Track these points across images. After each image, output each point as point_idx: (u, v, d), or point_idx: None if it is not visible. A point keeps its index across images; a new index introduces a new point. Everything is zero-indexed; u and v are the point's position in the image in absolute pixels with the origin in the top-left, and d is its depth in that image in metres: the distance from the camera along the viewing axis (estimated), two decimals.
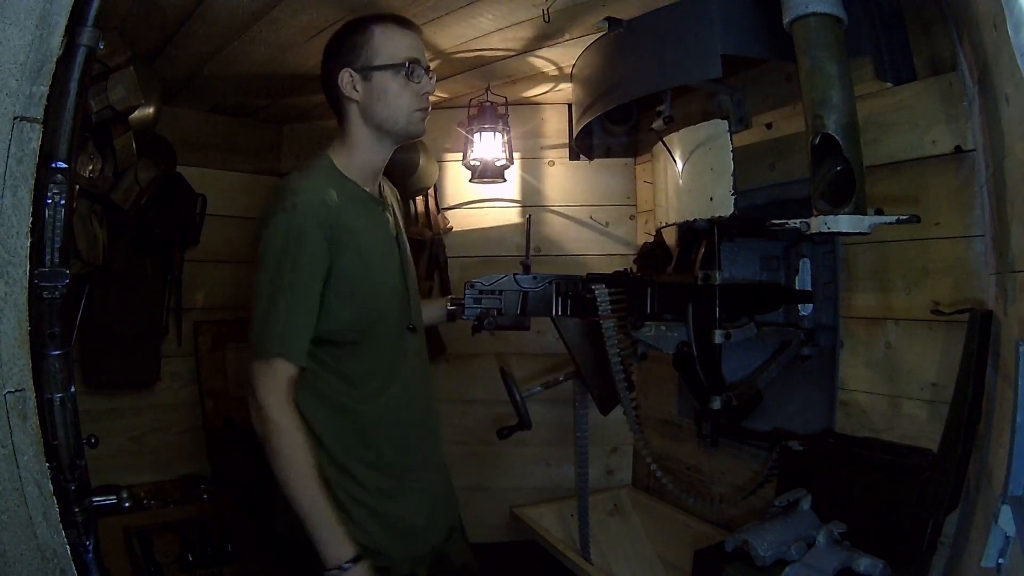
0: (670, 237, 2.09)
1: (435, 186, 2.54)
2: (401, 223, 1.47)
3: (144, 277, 2.30)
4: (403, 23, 1.34)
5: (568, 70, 2.12)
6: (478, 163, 2.34)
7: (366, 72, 1.29)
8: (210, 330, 2.47)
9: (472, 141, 2.31)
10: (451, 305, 1.63)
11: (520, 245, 2.46)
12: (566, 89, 2.32)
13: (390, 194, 1.48)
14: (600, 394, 1.78)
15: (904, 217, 1.24)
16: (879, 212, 1.23)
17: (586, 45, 1.88)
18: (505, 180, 2.41)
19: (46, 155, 0.84)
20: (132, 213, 2.01)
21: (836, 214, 1.22)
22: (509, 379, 1.71)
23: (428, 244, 2.50)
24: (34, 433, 0.84)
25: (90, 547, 0.93)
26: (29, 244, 0.83)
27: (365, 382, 1.29)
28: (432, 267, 2.52)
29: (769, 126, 1.83)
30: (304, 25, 1.73)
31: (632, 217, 2.53)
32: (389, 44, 1.30)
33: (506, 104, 2.33)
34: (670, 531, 2.14)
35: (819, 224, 1.24)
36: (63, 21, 0.83)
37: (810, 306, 1.71)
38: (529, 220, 1.70)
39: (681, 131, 1.74)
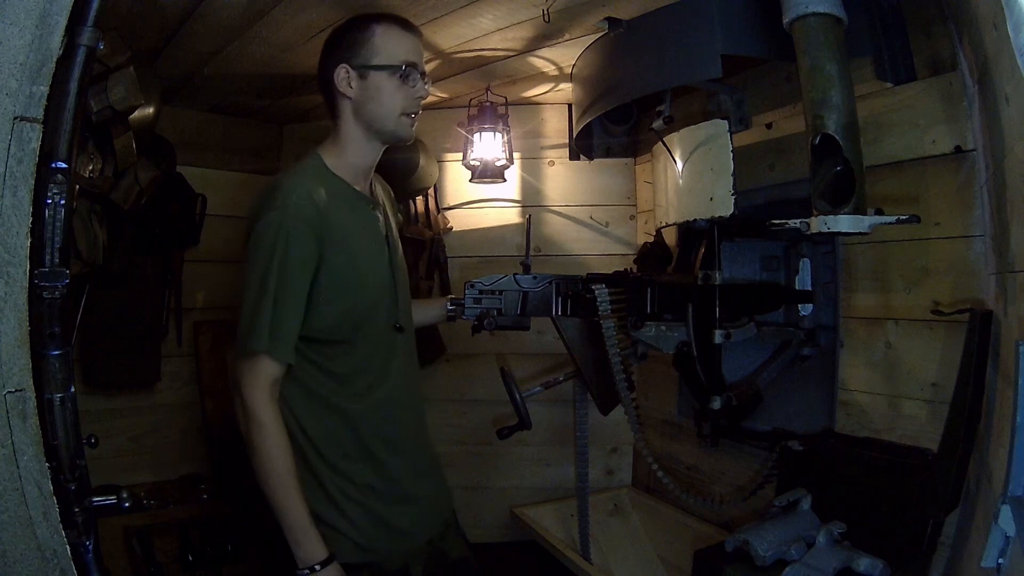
0: (670, 237, 2.09)
1: (435, 186, 2.54)
2: (393, 222, 1.48)
3: (144, 277, 2.30)
4: (405, 25, 1.34)
5: (568, 70, 2.12)
6: (478, 163, 2.34)
7: (363, 70, 1.30)
8: (210, 330, 2.47)
9: (472, 141, 2.31)
10: (451, 305, 1.63)
11: (520, 245, 2.46)
12: (566, 89, 2.32)
13: (381, 193, 1.48)
14: (600, 394, 1.78)
15: (904, 217, 1.24)
16: (879, 212, 1.23)
17: (586, 45, 1.88)
18: (505, 180, 2.41)
19: (46, 155, 0.84)
20: (132, 213, 2.01)
21: (836, 214, 1.22)
22: (509, 379, 1.71)
23: (428, 244, 2.50)
24: (34, 433, 0.84)
25: (90, 547, 0.93)
26: (29, 244, 0.83)
27: (355, 381, 1.30)
28: (432, 267, 2.52)
29: (769, 126, 1.83)
30: (304, 25, 1.73)
31: (632, 217, 2.53)
32: (389, 45, 1.31)
33: (506, 104, 2.33)
34: (670, 531, 2.14)
35: (819, 224, 1.24)
36: (63, 21, 0.83)
37: (810, 306, 1.71)
38: (529, 220, 1.70)
39: (681, 131, 1.74)
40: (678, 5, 1.54)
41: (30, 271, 0.83)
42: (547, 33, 1.82)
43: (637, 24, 1.62)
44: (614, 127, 2.39)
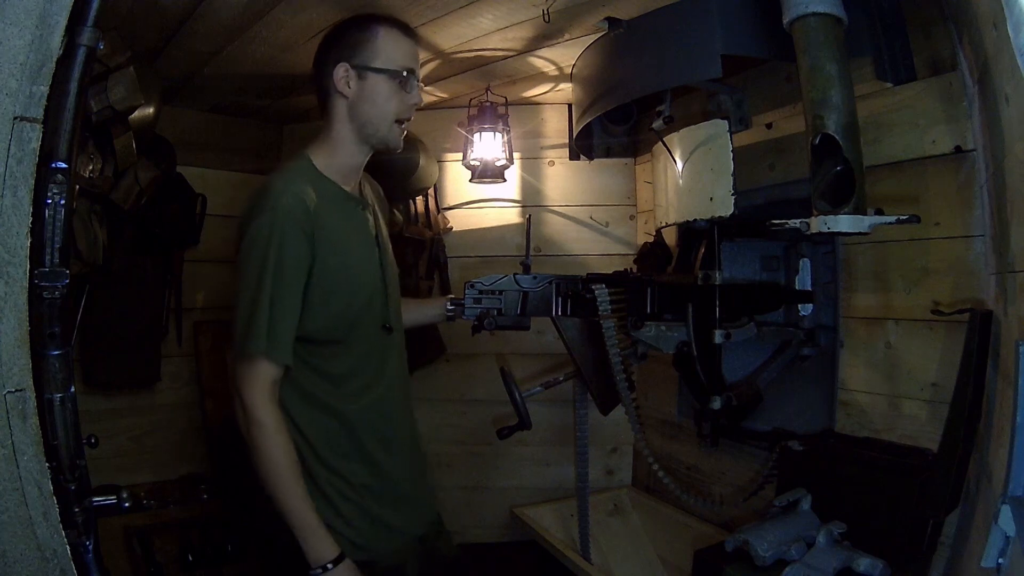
0: (670, 237, 2.09)
1: (435, 186, 2.54)
2: (382, 222, 1.48)
3: (144, 277, 2.30)
4: (406, 30, 1.35)
5: (568, 70, 2.12)
6: (478, 163, 2.34)
7: (362, 71, 1.30)
8: (210, 330, 2.47)
9: (472, 141, 2.31)
10: (451, 305, 1.63)
11: (520, 245, 2.46)
12: (566, 89, 2.32)
13: (371, 193, 1.48)
14: (600, 394, 1.77)
15: (904, 217, 1.24)
16: (879, 212, 1.23)
17: (586, 45, 1.88)
18: (505, 180, 2.41)
19: (46, 155, 0.84)
20: (132, 213, 2.01)
21: (836, 214, 1.22)
22: (509, 379, 1.71)
23: (428, 244, 2.50)
24: (34, 433, 0.84)
25: (90, 547, 0.93)
26: (29, 244, 0.83)
27: (349, 382, 1.31)
28: (432, 267, 2.52)
29: (769, 126, 1.83)
30: (304, 25, 1.73)
31: (632, 217, 2.53)
32: (390, 48, 1.31)
33: (506, 104, 2.33)
34: (670, 531, 2.14)
35: (819, 224, 1.24)
36: (63, 21, 0.83)
37: (810, 306, 1.71)
38: (529, 220, 1.70)
39: (681, 131, 1.74)
40: (678, 5, 1.54)
41: (30, 271, 0.83)
42: (547, 33, 1.82)
43: (637, 24, 1.62)
44: (614, 127, 2.39)
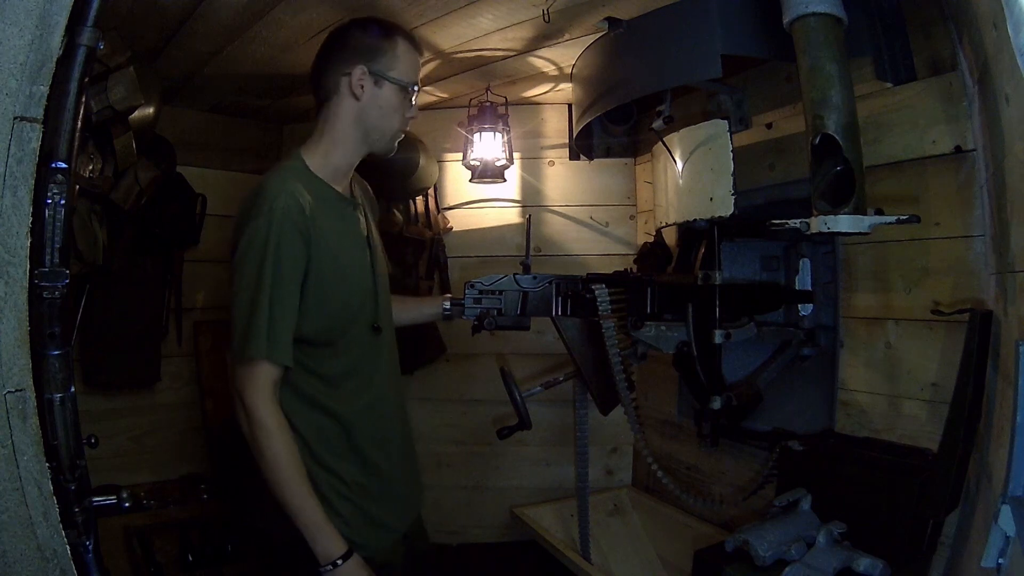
0: (670, 237, 2.09)
1: (435, 186, 2.54)
2: (373, 223, 1.49)
3: (144, 277, 2.30)
4: (418, 46, 1.38)
5: (568, 70, 2.12)
6: (478, 163, 2.34)
7: (379, 78, 1.31)
8: (210, 330, 2.47)
9: (472, 141, 2.31)
10: (449, 304, 1.63)
11: (520, 245, 2.46)
12: (566, 89, 2.32)
13: (361, 193, 1.49)
14: (600, 394, 1.77)
15: (904, 217, 1.24)
16: (879, 212, 1.23)
17: (586, 45, 1.88)
18: (505, 180, 2.41)
19: (46, 155, 0.84)
20: (132, 213, 2.01)
21: (836, 214, 1.22)
22: (509, 379, 1.71)
23: (428, 244, 2.50)
24: (34, 433, 0.84)
25: (90, 547, 0.93)
26: (29, 244, 0.83)
27: (343, 383, 1.32)
28: (432, 267, 2.52)
29: (769, 126, 1.83)
30: (304, 25, 1.74)
31: (632, 217, 2.53)
32: (407, 62, 1.34)
33: (506, 104, 2.33)
34: (670, 531, 2.14)
35: (819, 224, 1.24)
36: (63, 21, 0.83)
37: (810, 306, 1.71)
38: (529, 220, 1.70)
39: (681, 131, 1.74)
40: (678, 5, 1.54)
41: (30, 271, 0.83)
42: (547, 33, 1.82)
43: (637, 24, 1.62)
44: (614, 127, 2.39)
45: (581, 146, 2.42)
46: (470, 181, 2.42)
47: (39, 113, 0.82)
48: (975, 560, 0.97)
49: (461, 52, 1.96)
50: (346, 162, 1.37)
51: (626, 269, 1.96)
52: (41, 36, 0.81)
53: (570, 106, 2.50)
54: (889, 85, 1.47)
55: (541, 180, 2.56)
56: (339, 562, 1.18)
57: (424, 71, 2.10)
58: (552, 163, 2.55)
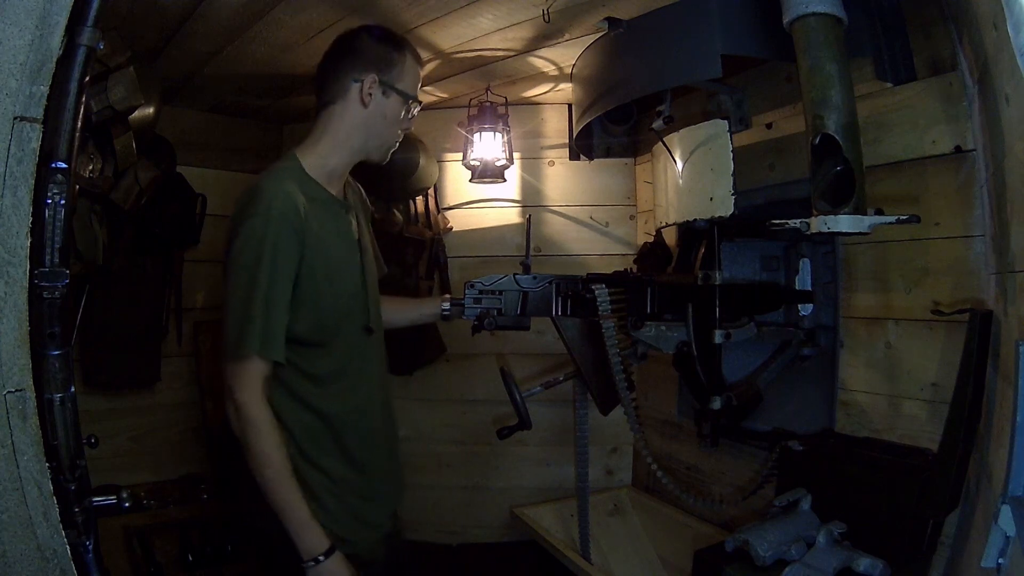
0: (670, 237, 2.09)
1: (435, 186, 2.54)
2: (365, 225, 1.51)
3: (144, 277, 2.30)
4: (421, 60, 1.43)
5: (568, 70, 2.12)
6: (478, 163, 2.34)
7: (388, 88, 1.34)
8: (210, 330, 2.47)
9: (472, 141, 2.31)
10: (452, 304, 1.64)
11: (520, 245, 2.46)
12: (566, 89, 2.32)
13: (353, 196, 1.51)
14: (600, 394, 1.77)
15: (904, 217, 1.24)
16: (879, 212, 1.23)
17: (586, 45, 1.88)
18: (505, 180, 2.41)
19: (46, 155, 0.84)
20: (132, 213, 2.01)
21: (836, 214, 1.22)
22: (509, 379, 1.71)
23: (428, 244, 2.50)
24: (34, 433, 0.84)
25: (90, 547, 0.93)
26: (29, 244, 0.82)
27: (332, 383, 1.34)
28: (432, 267, 2.52)
29: (769, 126, 1.83)
30: (304, 25, 1.74)
31: (632, 217, 2.53)
32: (411, 75, 1.38)
33: (506, 104, 2.33)
34: (670, 531, 2.14)
35: (819, 224, 1.24)
36: (63, 21, 0.83)
37: (810, 306, 1.71)
38: (529, 220, 1.70)
39: (681, 131, 1.74)
40: (678, 5, 1.54)
41: (30, 271, 0.83)
42: (547, 33, 1.82)
43: (637, 24, 1.62)
44: (614, 127, 2.39)
45: (581, 146, 2.42)
46: (470, 181, 2.42)
47: (39, 113, 0.82)
48: (975, 560, 0.97)
49: (461, 52, 1.97)
50: (342, 166, 1.40)
51: (626, 269, 1.96)
52: (41, 36, 0.81)
53: (570, 106, 2.50)
54: (889, 85, 1.47)
55: (541, 180, 2.56)
56: (321, 558, 1.19)
57: (424, 71, 2.10)
58: (552, 163, 2.55)
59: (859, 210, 1.22)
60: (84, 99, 0.90)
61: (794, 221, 1.30)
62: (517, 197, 2.56)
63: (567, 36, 1.84)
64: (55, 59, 0.83)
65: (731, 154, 1.56)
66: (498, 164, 2.33)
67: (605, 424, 2.23)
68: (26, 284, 0.83)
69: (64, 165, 0.86)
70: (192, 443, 2.42)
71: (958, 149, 1.36)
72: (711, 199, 1.60)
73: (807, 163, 1.29)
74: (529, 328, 1.62)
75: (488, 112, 2.27)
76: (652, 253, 2.13)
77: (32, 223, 0.83)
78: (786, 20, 1.28)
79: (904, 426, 1.47)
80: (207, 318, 2.48)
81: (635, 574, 2.15)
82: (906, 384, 1.47)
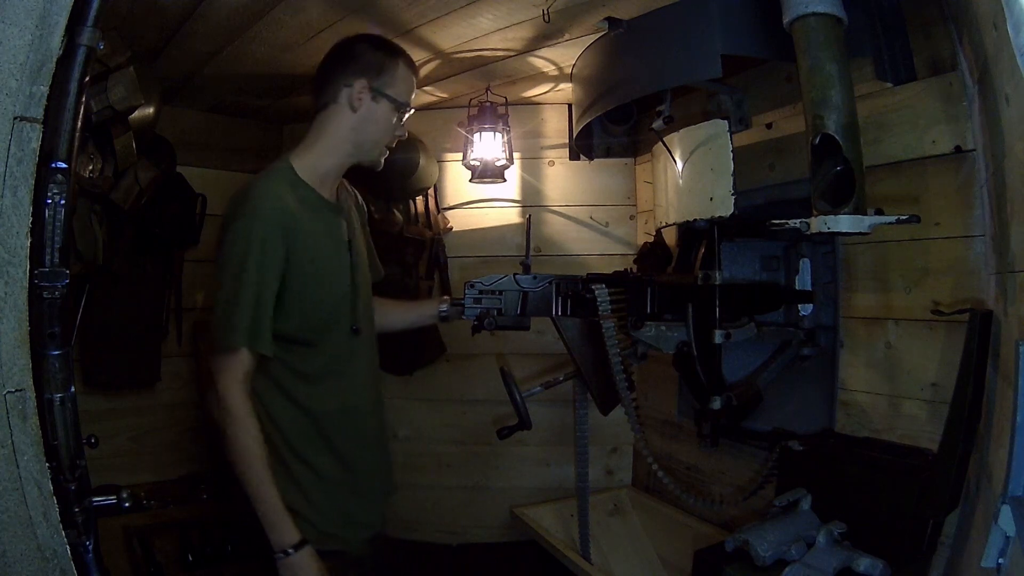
0: (670, 237, 2.09)
1: (435, 186, 2.54)
2: (358, 228, 1.54)
3: (144, 277, 2.30)
4: (415, 69, 1.45)
5: (568, 70, 2.12)
6: (478, 163, 2.34)
7: (378, 94, 1.37)
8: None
9: (472, 141, 2.31)
10: (451, 305, 1.64)
11: (520, 245, 2.46)
12: (566, 89, 2.32)
13: (348, 199, 1.54)
14: (600, 394, 1.77)
15: (904, 217, 1.24)
16: (879, 212, 1.23)
17: (586, 45, 1.88)
18: (505, 180, 2.41)
19: (46, 155, 0.84)
20: (132, 213, 2.01)
21: (836, 214, 1.22)
22: (509, 379, 1.71)
23: (428, 244, 2.50)
24: (34, 433, 0.84)
25: (90, 547, 0.93)
26: (29, 244, 0.83)
27: (320, 382, 1.37)
28: (432, 267, 2.52)
29: (769, 126, 1.83)
30: (304, 25, 1.74)
31: (632, 217, 2.53)
32: (403, 82, 1.40)
33: (506, 104, 2.33)
34: (670, 531, 2.14)
35: (819, 224, 1.24)
36: (63, 21, 0.83)
37: (810, 306, 1.71)
38: (529, 220, 1.70)
39: (681, 131, 1.74)
40: (678, 5, 1.54)
41: (30, 271, 0.83)
42: (547, 33, 1.82)
43: (637, 24, 1.62)
44: (614, 127, 2.39)
45: (581, 146, 2.42)
46: (470, 181, 2.42)
47: (39, 113, 0.82)
48: (975, 560, 0.97)
49: (461, 52, 1.96)
50: (334, 169, 1.43)
51: (626, 269, 1.96)
52: (41, 36, 0.81)
53: (570, 106, 2.50)
54: (889, 85, 1.47)
55: (541, 180, 2.56)
56: (291, 551, 1.22)
57: (424, 71, 2.10)
58: (552, 163, 2.55)
59: (859, 210, 1.22)
60: (84, 99, 0.90)
61: (794, 221, 1.30)
62: (517, 197, 2.56)
63: (567, 36, 1.84)
64: (55, 59, 0.83)
65: (731, 154, 1.56)
66: (498, 164, 2.33)
67: (605, 424, 2.22)
68: (26, 284, 0.83)
69: (64, 165, 0.86)
70: (192, 443, 2.42)
71: (958, 149, 1.36)
72: (711, 199, 1.60)
73: (807, 163, 1.29)
74: (529, 328, 1.62)
75: (488, 112, 2.27)
76: (652, 253, 2.13)
77: (32, 223, 0.83)
78: (786, 20, 1.28)
79: (904, 426, 1.47)
80: (207, 318, 2.48)
81: (635, 574, 2.15)
82: (906, 384, 1.47)
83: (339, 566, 1.34)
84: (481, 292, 1.58)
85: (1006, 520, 0.87)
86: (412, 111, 1.45)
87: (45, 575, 0.85)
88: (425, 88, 2.29)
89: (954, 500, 1.23)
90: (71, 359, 0.92)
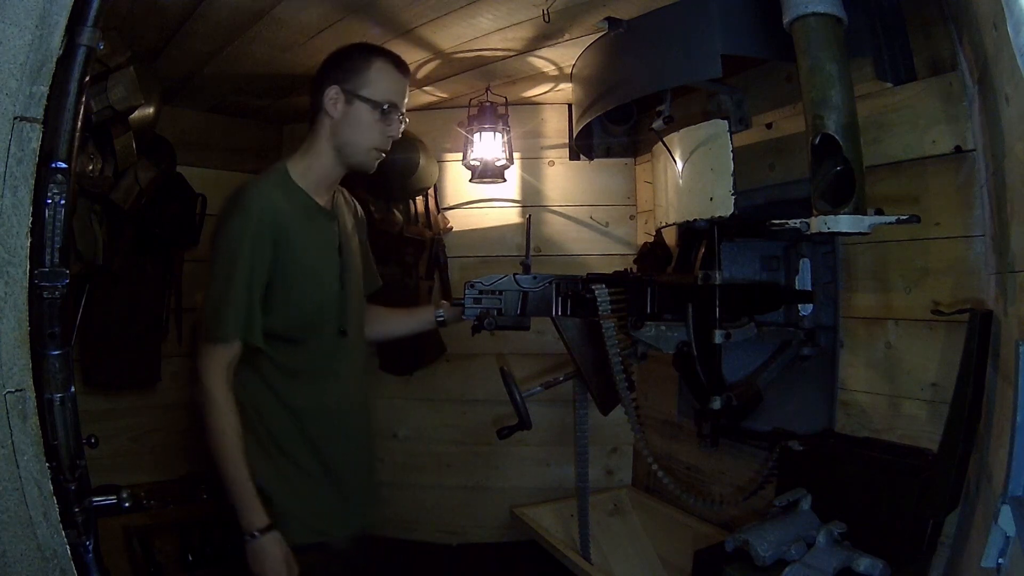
0: (670, 237, 2.09)
1: (435, 186, 2.54)
2: (353, 234, 1.57)
3: (144, 277, 2.30)
4: (400, 67, 1.45)
5: (568, 70, 2.12)
6: (478, 163, 2.34)
7: (350, 96, 1.39)
8: None
9: (472, 141, 2.31)
10: (451, 304, 1.65)
11: (520, 245, 2.46)
12: (566, 89, 2.32)
13: (343, 206, 1.57)
14: (600, 394, 1.77)
15: (904, 217, 1.24)
16: (879, 212, 1.23)
17: (586, 45, 1.88)
18: (505, 180, 2.41)
19: (46, 155, 0.84)
20: (132, 213, 2.01)
21: (836, 214, 1.22)
22: (509, 379, 1.71)
23: (428, 244, 2.50)
24: (34, 433, 0.84)
25: (90, 547, 0.93)
26: (29, 244, 0.83)
27: (303, 379, 1.42)
28: (432, 267, 2.52)
29: (769, 126, 1.83)
30: (304, 25, 1.74)
31: (632, 217, 2.53)
32: (380, 81, 1.41)
33: (506, 104, 2.33)
34: (670, 531, 2.14)
35: (819, 224, 1.24)
36: (63, 21, 0.83)
37: (810, 306, 1.71)
38: (529, 220, 1.70)
39: (681, 131, 1.73)
40: (678, 5, 1.54)
41: (30, 271, 0.83)
42: (547, 33, 1.82)
43: (637, 24, 1.62)
44: (614, 127, 2.39)
45: (581, 146, 2.42)
46: (470, 181, 2.42)
47: (39, 113, 0.82)
48: (975, 560, 0.97)
49: (461, 52, 1.96)
50: (325, 175, 1.46)
51: (626, 269, 1.96)
52: (41, 36, 0.81)
53: (570, 106, 2.50)
54: (889, 85, 1.47)
55: (541, 180, 2.56)
56: (257, 534, 1.29)
57: (424, 71, 2.10)
58: (552, 163, 2.55)
59: (859, 210, 1.21)
60: (84, 99, 0.90)
61: (794, 221, 1.30)
62: (517, 197, 2.56)
63: (567, 36, 1.84)
64: (55, 59, 0.83)
65: (731, 154, 1.56)
66: (498, 164, 2.33)
67: (605, 424, 2.23)
68: (26, 284, 0.83)
69: (64, 165, 0.86)
70: (192, 443, 2.42)
71: (958, 149, 1.36)
72: (711, 199, 1.60)
73: (807, 163, 1.29)
74: (529, 328, 1.62)
75: (488, 112, 2.27)
76: (652, 253, 2.12)
77: (32, 223, 0.83)
78: (786, 20, 1.28)
79: (904, 426, 1.47)
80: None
81: (635, 574, 2.15)
82: (906, 384, 1.47)
83: (323, 559, 1.38)
84: (481, 292, 1.58)
85: (1006, 520, 0.87)
86: (401, 110, 1.44)
87: (45, 575, 0.85)
88: (425, 88, 2.29)
89: (954, 500, 1.23)
90: (71, 359, 0.92)
